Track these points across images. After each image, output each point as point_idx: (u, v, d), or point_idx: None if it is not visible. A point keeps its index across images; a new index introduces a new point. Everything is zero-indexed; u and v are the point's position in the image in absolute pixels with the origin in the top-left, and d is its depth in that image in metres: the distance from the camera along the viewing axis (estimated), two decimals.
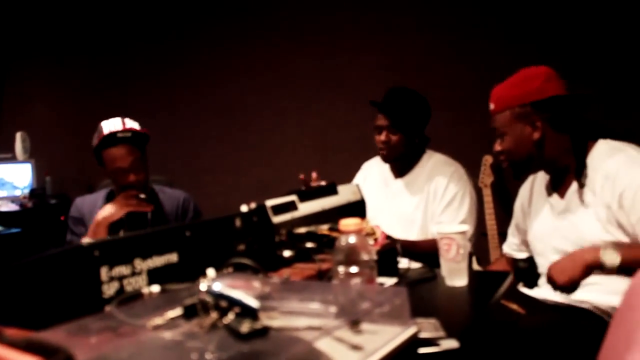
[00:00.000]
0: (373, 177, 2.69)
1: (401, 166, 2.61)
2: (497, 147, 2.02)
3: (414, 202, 2.56)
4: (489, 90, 2.04)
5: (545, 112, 1.92)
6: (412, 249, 2.32)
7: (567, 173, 1.98)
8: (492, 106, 2.01)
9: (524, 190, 2.21)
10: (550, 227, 2.03)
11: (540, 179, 2.13)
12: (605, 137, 1.98)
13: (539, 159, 1.97)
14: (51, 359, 0.60)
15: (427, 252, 2.15)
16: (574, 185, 1.96)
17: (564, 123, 1.95)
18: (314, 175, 2.24)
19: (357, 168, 2.80)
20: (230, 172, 4.46)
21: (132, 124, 2.41)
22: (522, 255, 2.26)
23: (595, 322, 1.86)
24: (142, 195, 2.37)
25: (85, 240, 1.74)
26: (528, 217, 2.16)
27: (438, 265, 1.87)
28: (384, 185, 2.65)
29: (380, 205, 2.53)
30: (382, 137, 2.52)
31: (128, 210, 2.32)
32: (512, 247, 2.30)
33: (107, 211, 2.29)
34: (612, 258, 1.72)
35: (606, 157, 1.90)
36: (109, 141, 2.35)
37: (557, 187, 2.03)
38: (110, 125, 2.38)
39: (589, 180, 1.91)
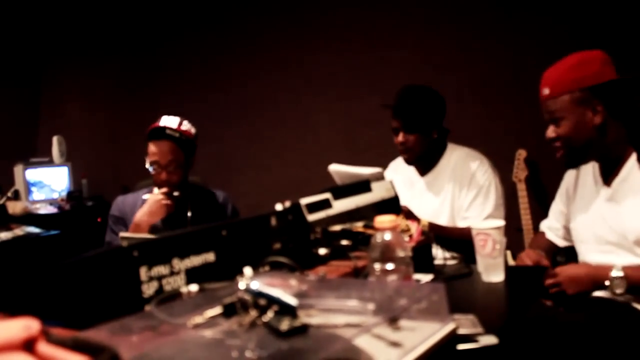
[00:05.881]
0: (400, 175, 2.69)
1: (424, 164, 2.60)
2: (552, 133, 1.95)
3: (440, 199, 2.55)
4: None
5: (603, 97, 1.87)
6: (444, 234, 2.34)
7: (617, 162, 1.93)
8: (546, 91, 1.92)
9: (569, 177, 2.17)
10: (596, 216, 1.99)
11: (586, 166, 2.07)
12: None
13: (599, 145, 1.91)
14: (98, 357, 0.61)
15: (462, 239, 2.14)
16: (622, 175, 1.91)
17: (620, 109, 1.90)
18: None
19: (386, 166, 2.79)
20: (261, 171, 4.49)
21: (187, 128, 2.44)
22: (563, 243, 2.23)
23: (636, 317, 1.83)
24: (176, 193, 2.39)
25: (122, 235, 1.75)
26: (572, 203, 2.12)
27: (472, 252, 1.85)
28: (409, 184, 2.64)
29: (408, 203, 2.52)
30: (400, 138, 2.52)
31: (162, 216, 2.36)
32: (554, 232, 2.26)
33: (143, 217, 2.33)
34: (618, 285, 1.81)
35: None
36: (157, 134, 2.40)
37: (605, 175, 1.98)
38: (166, 120, 2.43)
39: (637, 171, 1.87)
